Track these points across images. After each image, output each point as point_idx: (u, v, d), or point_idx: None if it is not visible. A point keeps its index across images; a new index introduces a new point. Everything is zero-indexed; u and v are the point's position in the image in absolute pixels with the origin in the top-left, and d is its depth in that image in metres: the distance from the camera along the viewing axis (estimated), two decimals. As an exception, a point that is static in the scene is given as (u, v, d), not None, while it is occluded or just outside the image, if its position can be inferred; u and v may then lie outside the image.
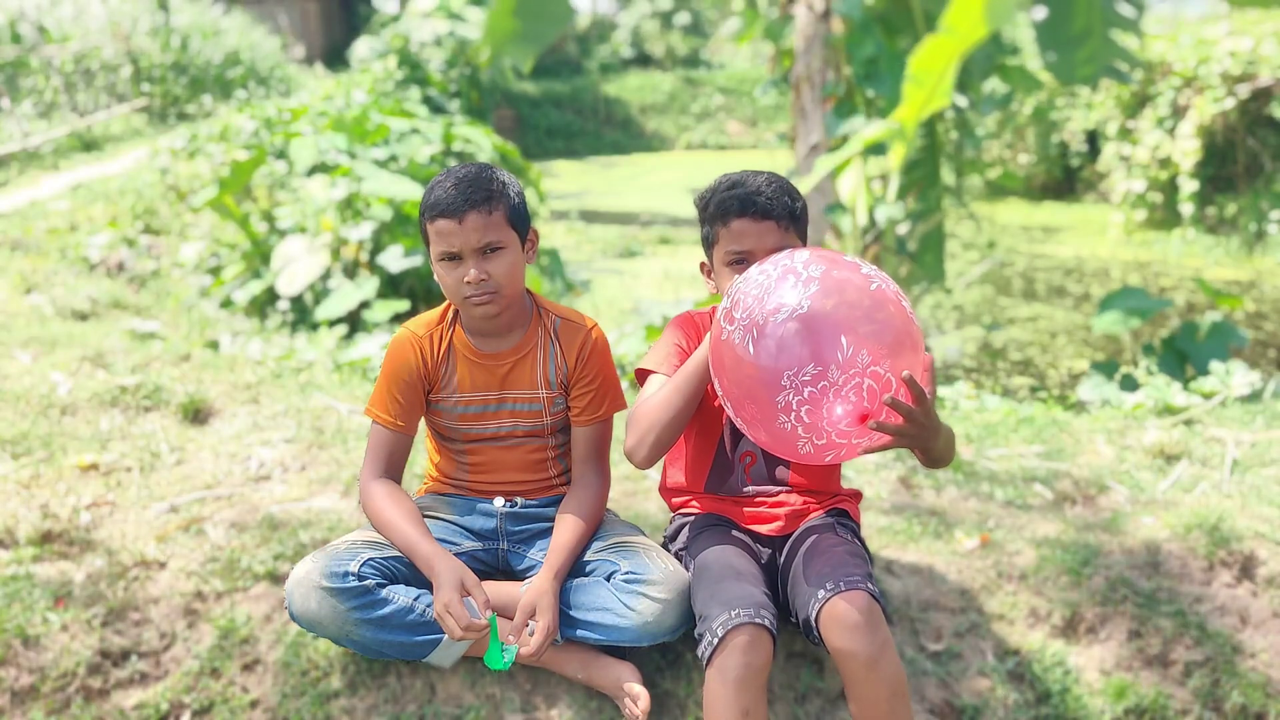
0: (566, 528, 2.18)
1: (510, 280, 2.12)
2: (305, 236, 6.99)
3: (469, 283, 2.08)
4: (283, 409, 3.53)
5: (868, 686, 1.93)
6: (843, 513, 2.28)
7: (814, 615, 1.99)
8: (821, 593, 1.99)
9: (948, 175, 7.08)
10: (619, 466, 3.17)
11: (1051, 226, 12.88)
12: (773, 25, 8.16)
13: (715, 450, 2.27)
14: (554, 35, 6.01)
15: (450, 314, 2.26)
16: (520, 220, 2.14)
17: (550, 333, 2.26)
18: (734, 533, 2.24)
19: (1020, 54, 6.66)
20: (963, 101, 6.76)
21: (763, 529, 2.26)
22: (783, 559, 2.22)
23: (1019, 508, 3.12)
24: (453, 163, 11.00)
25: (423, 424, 2.32)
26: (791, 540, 2.23)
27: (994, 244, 11.92)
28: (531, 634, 2.04)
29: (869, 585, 1.99)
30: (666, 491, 2.41)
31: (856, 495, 2.36)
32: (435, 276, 2.16)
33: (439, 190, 2.09)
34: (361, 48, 18.38)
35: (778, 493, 2.26)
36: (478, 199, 2.07)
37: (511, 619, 2.19)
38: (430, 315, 2.28)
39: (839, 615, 1.94)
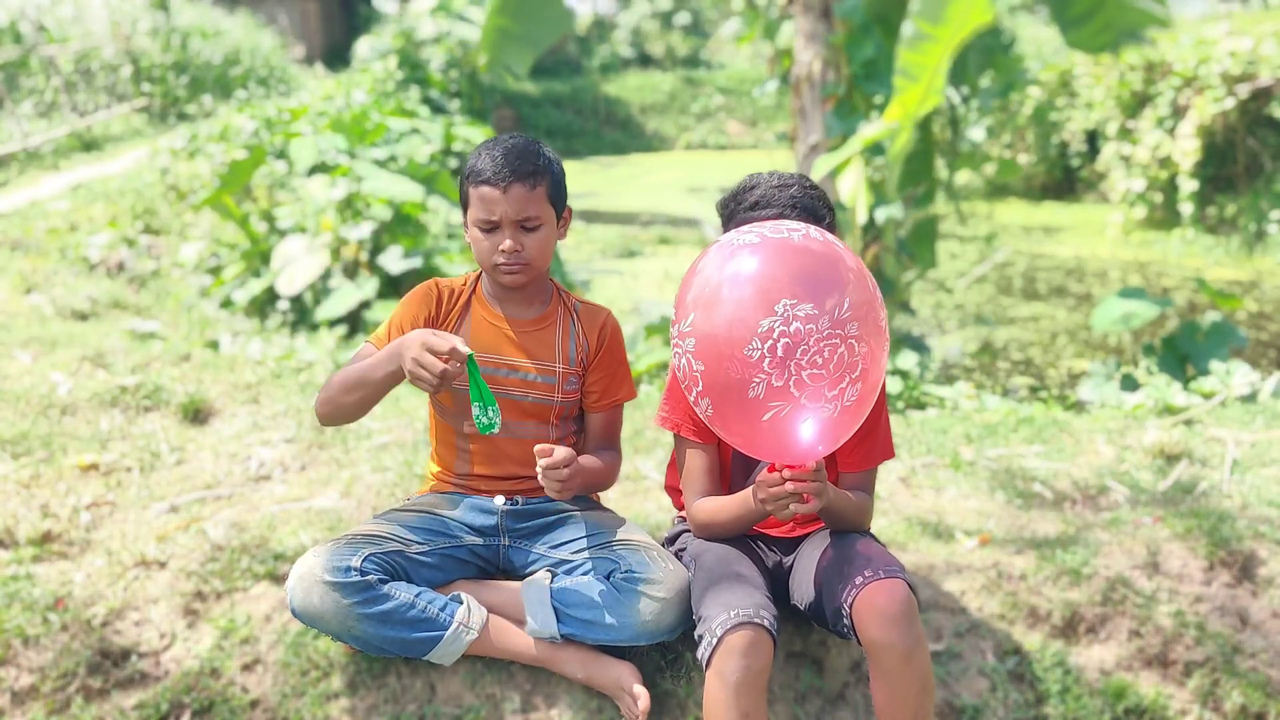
0: (591, 458, 2.25)
1: (541, 255, 2.18)
2: (305, 236, 6.99)
3: (503, 251, 2.14)
4: (283, 409, 3.52)
5: (900, 679, 1.92)
6: None
7: (849, 602, 1.97)
8: (859, 579, 1.98)
9: (940, 170, 7.10)
10: (621, 468, 3.16)
11: (1051, 226, 12.88)
12: (772, 25, 8.16)
13: (732, 453, 2.26)
14: (551, 40, 6.03)
15: (474, 278, 2.31)
16: (559, 197, 2.20)
17: (571, 312, 2.31)
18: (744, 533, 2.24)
19: (1014, 45, 6.69)
20: (955, 96, 6.77)
21: (773, 530, 2.26)
22: (794, 560, 2.22)
23: (1019, 508, 3.12)
24: (453, 163, 11.03)
25: (426, 417, 2.33)
26: (806, 540, 2.23)
27: (994, 235, 11.91)
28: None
29: (906, 576, 1.99)
30: (674, 491, 2.40)
31: None
32: (468, 238, 2.20)
33: (486, 157, 2.13)
34: (364, 47, 18.38)
35: None
36: (524, 172, 2.12)
37: (511, 619, 2.19)
38: (456, 277, 2.34)
39: (878, 605, 1.93)
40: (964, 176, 14.05)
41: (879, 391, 1.90)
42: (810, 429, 1.79)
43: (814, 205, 2.13)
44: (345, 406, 2.11)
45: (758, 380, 1.74)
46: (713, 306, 1.78)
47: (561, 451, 2.02)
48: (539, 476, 2.05)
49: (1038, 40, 18.12)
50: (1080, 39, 5.47)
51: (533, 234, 2.15)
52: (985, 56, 6.49)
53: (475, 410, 1.97)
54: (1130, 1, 5.26)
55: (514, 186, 2.11)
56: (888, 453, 2.22)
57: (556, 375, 2.26)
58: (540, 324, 2.27)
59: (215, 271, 7.48)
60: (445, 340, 1.93)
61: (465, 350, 1.93)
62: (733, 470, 2.25)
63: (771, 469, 1.93)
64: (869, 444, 2.17)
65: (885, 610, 1.92)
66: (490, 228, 2.14)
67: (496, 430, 1.97)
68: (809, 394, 1.75)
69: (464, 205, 2.19)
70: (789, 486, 1.89)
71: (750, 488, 2.04)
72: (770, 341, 1.73)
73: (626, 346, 2.57)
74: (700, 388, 1.82)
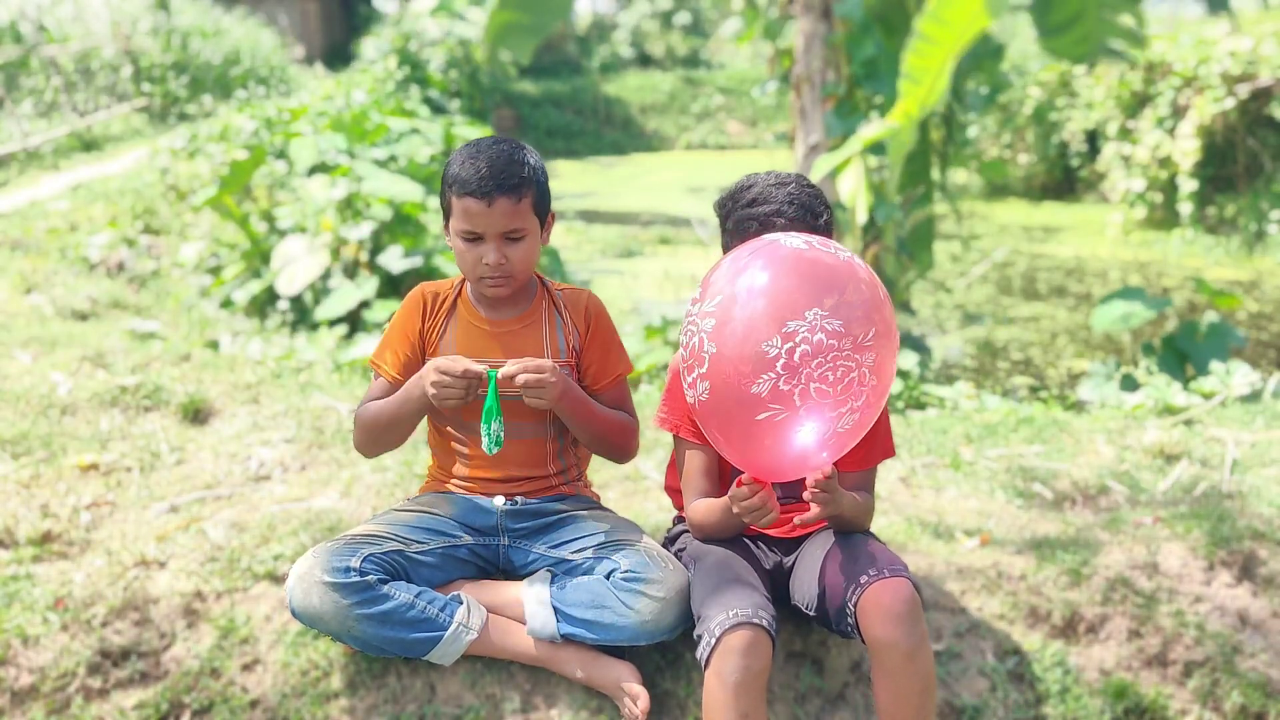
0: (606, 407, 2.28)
1: (525, 265, 2.17)
2: (305, 236, 6.98)
3: (487, 264, 2.12)
4: (283, 409, 3.53)
5: (903, 679, 1.92)
6: None
7: (853, 601, 1.97)
8: (864, 578, 1.98)
9: (936, 171, 7.09)
10: (621, 468, 3.17)
11: (1052, 226, 12.87)
12: (772, 25, 8.15)
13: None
14: (553, 26, 6.03)
15: (459, 281, 2.31)
16: (544, 206, 2.18)
17: (555, 303, 2.30)
18: (740, 535, 2.24)
19: (1004, 52, 6.69)
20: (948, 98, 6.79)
21: (773, 531, 2.26)
22: (795, 560, 2.22)
23: (1019, 508, 3.12)
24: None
25: (424, 421, 2.32)
26: (807, 540, 2.23)
27: (977, 237, 11.91)
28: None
29: (911, 575, 2.00)
30: (674, 491, 2.40)
31: None
32: (450, 244, 2.19)
33: (470, 166, 2.09)
34: (369, 48, 18.37)
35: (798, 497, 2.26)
36: (509, 185, 2.08)
37: (511, 619, 2.19)
38: (445, 280, 2.34)
39: (883, 603, 1.93)
40: (963, 177, 14.05)
41: (870, 425, 1.90)
42: (802, 440, 1.79)
43: (811, 203, 2.13)
44: (388, 443, 2.26)
45: (765, 378, 1.74)
46: (741, 296, 1.78)
47: (513, 366, 2.06)
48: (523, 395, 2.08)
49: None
50: (1059, 47, 5.49)
51: (517, 245, 2.13)
52: (973, 61, 6.50)
53: (484, 429, 2.05)
54: (1110, 17, 5.29)
55: (499, 200, 2.08)
56: (888, 452, 2.22)
57: None
58: (524, 321, 2.27)
59: (215, 271, 7.47)
60: (458, 364, 2.03)
61: (478, 369, 2.03)
62: (731, 471, 2.25)
63: (739, 482, 1.93)
64: (869, 443, 2.17)
65: (890, 609, 1.92)
66: (473, 239, 2.13)
67: (499, 448, 2.08)
68: (810, 407, 1.75)
69: (445, 212, 2.16)
70: (756, 500, 1.91)
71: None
72: (791, 344, 1.73)
73: (628, 346, 2.58)
74: (704, 369, 1.81)
